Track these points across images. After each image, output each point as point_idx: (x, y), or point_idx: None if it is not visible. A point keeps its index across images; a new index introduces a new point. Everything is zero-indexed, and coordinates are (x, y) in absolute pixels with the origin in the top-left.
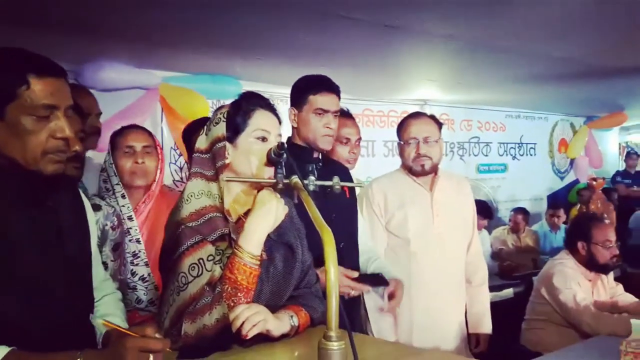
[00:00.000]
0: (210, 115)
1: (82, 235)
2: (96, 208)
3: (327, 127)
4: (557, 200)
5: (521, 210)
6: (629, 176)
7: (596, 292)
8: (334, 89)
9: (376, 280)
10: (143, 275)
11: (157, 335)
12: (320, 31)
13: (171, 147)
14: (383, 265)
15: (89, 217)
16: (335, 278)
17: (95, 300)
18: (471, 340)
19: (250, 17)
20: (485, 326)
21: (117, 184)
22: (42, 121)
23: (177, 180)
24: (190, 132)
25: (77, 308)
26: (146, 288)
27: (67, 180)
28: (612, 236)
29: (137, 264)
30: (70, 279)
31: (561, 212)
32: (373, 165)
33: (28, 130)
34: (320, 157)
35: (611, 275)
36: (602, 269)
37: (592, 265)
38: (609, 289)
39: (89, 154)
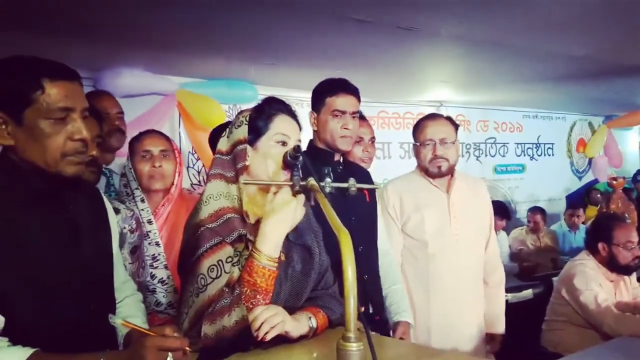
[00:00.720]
0: (227, 120)
1: (103, 237)
2: (115, 211)
3: (345, 128)
4: (576, 200)
5: (539, 210)
6: None
7: (619, 293)
8: (351, 91)
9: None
10: (162, 278)
11: (175, 335)
12: (333, 34)
13: (189, 152)
14: (399, 298)
15: (110, 218)
16: (353, 279)
17: (116, 301)
18: (486, 339)
19: (263, 22)
20: (500, 327)
21: (136, 189)
22: (59, 124)
23: (195, 184)
24: (216, 137)
25: (98, 309)
26: (165, 291)
27: (86, 183)
28: (635, 237)
29: (156, 267)
30: (91, 280)
31: (580, 211)
32: (389, 167)
33: (46, 133)
34: (341, 160)
35: (634, 275)
36: (624, 270)
37: (614, 266)
38: (632, 289)
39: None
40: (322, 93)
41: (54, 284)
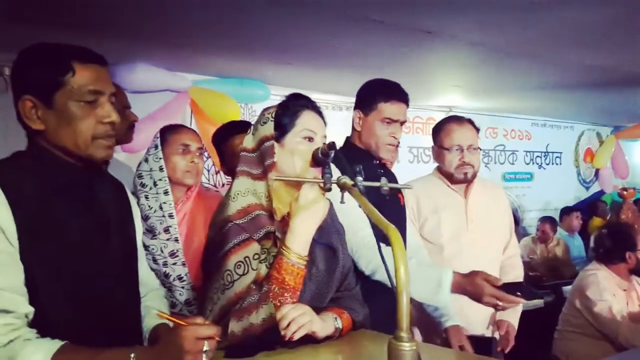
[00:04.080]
0: (240, 119)
1: (129, 228)
2: None
3: (393, 137)
4: (572, 206)
5: (549, 220)
6: None
7: (631, 302)
8: (404, 98)
9: (526, 291)
10: (180, 275)
11: (207, 323)
12: (350, 35)
13: None
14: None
15: (133, 211)
16: (405, 277)
17: (141, 296)
18: (501, 339)
19: (281, 22)
20: (514, 318)
21: (160, 180)
22: (89, 107)
23: (204, 183)
24: (220, 137)
25: (125, 302)
26: (183, 288)
27: (111, 176)
28: None
29: (174, 264)
30: (119, 273)
31: (578, 213)
32: (397, 171)
33: (77, 116)
34: (379, 162)
35: None
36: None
37: (636, 271)
38: None
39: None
40: (374, 96)
41: (84, 275)
